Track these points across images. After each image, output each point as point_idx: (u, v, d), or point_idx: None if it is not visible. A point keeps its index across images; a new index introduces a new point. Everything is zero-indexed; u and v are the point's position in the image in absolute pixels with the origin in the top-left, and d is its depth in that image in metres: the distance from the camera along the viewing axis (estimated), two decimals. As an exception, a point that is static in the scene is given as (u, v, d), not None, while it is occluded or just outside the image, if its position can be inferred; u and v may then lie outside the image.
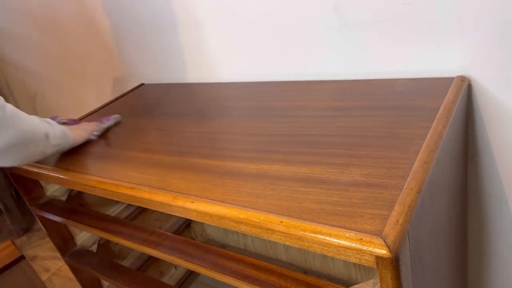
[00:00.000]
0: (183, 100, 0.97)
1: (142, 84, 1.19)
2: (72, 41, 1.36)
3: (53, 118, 0.83)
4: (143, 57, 1.19)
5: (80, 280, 1.03)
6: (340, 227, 0.44)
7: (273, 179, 0.56)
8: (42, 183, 0.95)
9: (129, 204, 1.06)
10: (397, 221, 0.43)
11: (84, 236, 1.01)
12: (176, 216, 1.05)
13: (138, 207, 1.07)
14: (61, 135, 0.77)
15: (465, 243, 0.87)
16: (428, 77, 0.74)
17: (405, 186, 0.47)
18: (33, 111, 1.87)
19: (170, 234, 0.71)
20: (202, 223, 1.27)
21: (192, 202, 0.56)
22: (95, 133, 0.87)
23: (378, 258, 0.41)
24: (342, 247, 0.43)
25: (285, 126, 0.70)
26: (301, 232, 0.45)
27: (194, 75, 1.10)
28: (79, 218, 0.84)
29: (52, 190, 0.96)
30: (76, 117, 1.06)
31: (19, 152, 0.68)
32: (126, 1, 1.11)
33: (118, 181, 0.67)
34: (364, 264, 0.42)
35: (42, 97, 1.73)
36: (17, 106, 2.05)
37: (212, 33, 0.99)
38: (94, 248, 1.01)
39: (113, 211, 1.05)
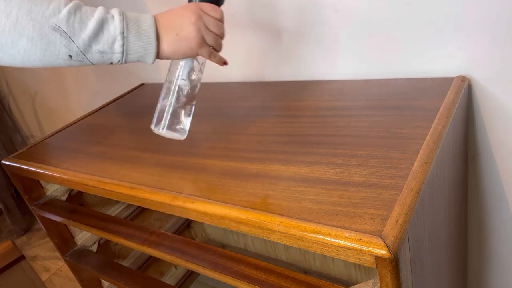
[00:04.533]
0: (183, 100, 0.97)
1: (142, 84, 1.19)
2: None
3: None
4: (143, 57, 1.19)
5: (80, 280, 1.03)
6: (339, 227, 0.44)
7: (273, 179, 0.56)
8: (42, 183, 0.95)
9: (129, 204, 1.06)
10: (397, 221, 0.43)
11: (84, 236, 1.01)
12: (176, 216, 1.05)
13: (138, 207, 1.07)
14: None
15: (465, 243, 0.87)
16: (428, 77, 0.74)
17: (404, 186, 0.47)
18: (33, 111, 1.87)
19: (170, 234, 0.71)
20: (202, 223, 1.27)
21: (192, 202, 0.56)
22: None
23: (378, 258, 0.41)
24: (341, 247, 0.43)
25: (285, 126, 0.70)
26: (301, 232, 0.45)
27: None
28: (79, 218, 0.85)
29: (52, 190, 0.96)
30: (76, 117, 1.06)
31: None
32: (126, 1, 1.11)
33: (118, 181, 0.67)
34: (364, 264, 0.42)
35: (42, 97, 1.73)
36: (17, 106, 2.06)
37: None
38: (94, 248, 1.01)
39: (113, 211, 1.05)
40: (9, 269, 1.03)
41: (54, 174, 0.77)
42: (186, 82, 0.65)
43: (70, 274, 1.56)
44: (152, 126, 0.65)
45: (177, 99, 0.65)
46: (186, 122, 0.67)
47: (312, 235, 0.45)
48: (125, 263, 1.09)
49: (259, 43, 0.93)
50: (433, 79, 0.73)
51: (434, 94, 0.67)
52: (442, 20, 0.70)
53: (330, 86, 0.83)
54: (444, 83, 0.70)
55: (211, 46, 0.62)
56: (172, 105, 0.64)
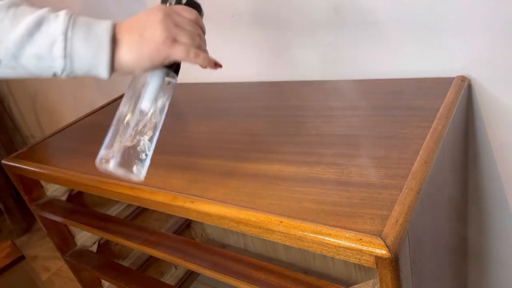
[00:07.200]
0: (183, 100, 0.97)
1: (142, 84, 1.19)
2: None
3: None
4: (143, 57, 1.19)
5: (80, 280, 1.03)
6: (339, 227, 0.44)
7: (273, 179, 0.56)
8: (42, 183, 0.95)
9: (129, 204, 1.06)
10: (397, 221, 0.43)
11: (84, 236, 1.01)
12: (176, 216, 1.05)
13: (138, 207, 1.07)
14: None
15: (465, 243, 0.87)
16: (428, 77, 0.74)
17: (404, 186, 0.47)
18: (33, 111, 1.87)
19: (170, 234, 0.71)
20: (202, 223, 1.27)
21: (192, 202, 0.56)
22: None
23: (378, 258, 0.41)
24: (341, 247, 0.43)
25: (285, 126, 0.70)
26: (301, 232, 0.45)
27: (194, 75, 1.10)
28: (79, 218, 0.84)
29: (52, 190, 0.96)
30: (76, 117, 1.06)
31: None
32: (125, 1, 1.11)
33: (118, 181, 0.67)
34: (364, 264, 0.42)
35: (42, 97, 1.72)
36: (17, 106, 2.06)
37: (212, 33, 0.99)
38: (94, 248, 1.01)
39: (113, 211, 1.05)
40: (9, 269, 1.03)
41: (54, 174, 0.77)
42: (150, 105, 0.51)
43: (70, 274, 1.56)
44: (97, 160, 0.49)
45: (136, 128, 0.50)
46: (144, 158, 0.50)
47: (312, 235, 0.45)
48: (125, 263, 1.09)
49: (259, 43, 0.93)
50: (433, 79, 0.73)
51: (434, 94, 0.67)
52: (442, 20, 0.70)
53: (330, 86, 0.83)
54: (444, 83, 0.70)
55: (188, 46, 0.50)
56: (127, 137, 0.50)
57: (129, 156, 0.49)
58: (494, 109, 0.72)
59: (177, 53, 0.49)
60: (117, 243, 1.05)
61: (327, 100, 0.77)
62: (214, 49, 1.01)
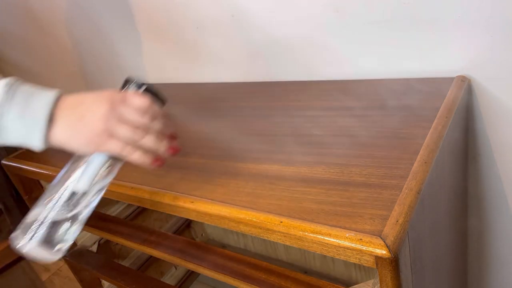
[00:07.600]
0: (183, 100, 0.97)
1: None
2: (72, 42, 1.36)
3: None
4: (143, 57, 1.19)
5: (80, 280, 1.03)
6: (339, 227, 0.44)
7: (273, 179, 0.56)
8: (42, 183, 0.95)
9: (129, 204, 1.06)
10: (397, 221, 0.43)
11: (84, 236, 1.01)
12: (176, 216, 1.05)
13: (138, 207, 1.07)
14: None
15: (465, 243, 0.87)
16: (428, 77, 0.74)
17: (405, 186, 0.47)
18: (33, 111, 1.87)
19: (170, 234, 0.71)
20: (202, 223, 1.27)
21: (192, 202, 0.56)
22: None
23: (378, 258, 0.41)
24: (341, 247, 0.43)
25: (285, 126, 0.70)
26: (301, 232, 0.45)
27: (193, 75, 1.10)
28: (79, 218, 0.84)
29: (52, 190, 0.96)
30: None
31: None
32: (125, 1, 1.11)
33: (118, 181, 0.67)
34: (364, 264, 0.42)
35: (42, 97, 1.72)
36: (17, 106, 2.03)
37: (212, 33, 0.99)
38: (94, 248, 1.01)
39: (113, 211, 1.05)
40: (9, 269, 1.03)
41: (54, 174, 0.77)
42: (84, 187, 0.49)
43: (70, 274, 1.56)
44: (12, 237, 0.48)
45: (65, 206, 0.49)
46: (66, 239, 0.49)
47: (312, 235, 0.45)
48: (125, 263, 1.09)
49: (259, 43, 0.93)
50: (433, 79, 0.73)
51: (434, 94, 0.67)
52: (442, 20, 0.70)
53: (330, 86, 0.83)
54: (444, 83, 0.70)
55: (126, 142, 0.48)
56: (54, 213, 0.48)
57: (49, 238, 0.48)
58: (494, 109, 0.72)
59: (111, 148, 0.48)
60: (117, 243, 1.05)
61: (327, 100, 0.77)
62: (214, 49, 1.01)
